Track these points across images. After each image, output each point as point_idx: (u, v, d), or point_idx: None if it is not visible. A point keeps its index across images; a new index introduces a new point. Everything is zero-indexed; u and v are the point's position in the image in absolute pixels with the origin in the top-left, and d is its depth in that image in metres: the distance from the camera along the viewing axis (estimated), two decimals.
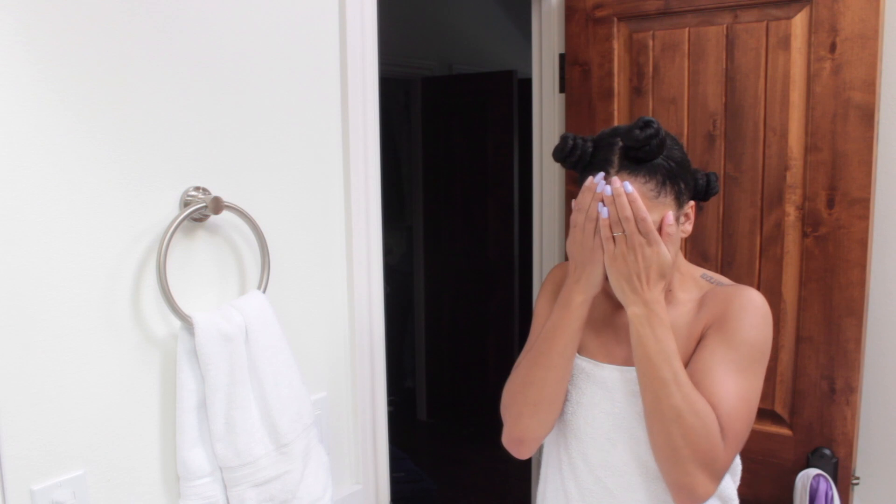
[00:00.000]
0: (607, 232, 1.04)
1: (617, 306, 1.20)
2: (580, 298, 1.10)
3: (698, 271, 1.20)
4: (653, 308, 1.05)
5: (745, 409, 1.06)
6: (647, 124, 1.04)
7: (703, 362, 1.07)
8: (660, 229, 1.06)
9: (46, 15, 0.91)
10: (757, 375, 1.09)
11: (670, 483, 1.06)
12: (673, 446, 1.03)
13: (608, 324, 1.20)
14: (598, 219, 1.05)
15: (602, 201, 1.04)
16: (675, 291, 1.15)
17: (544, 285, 1.28)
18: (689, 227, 1.13)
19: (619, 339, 1.18)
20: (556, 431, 1.25)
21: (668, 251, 1.04)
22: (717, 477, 1.04)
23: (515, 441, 1.18)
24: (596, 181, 1.04)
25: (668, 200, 1.07)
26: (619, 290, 1.06)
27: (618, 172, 1.05)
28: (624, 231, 1.03)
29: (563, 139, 1.10)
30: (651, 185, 1.05)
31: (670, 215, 1.06)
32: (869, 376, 1.64)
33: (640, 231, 1.02)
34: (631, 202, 1.02)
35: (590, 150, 1.10)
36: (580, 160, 1.10)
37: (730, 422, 1.04)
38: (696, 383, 1.05)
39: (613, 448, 1.15)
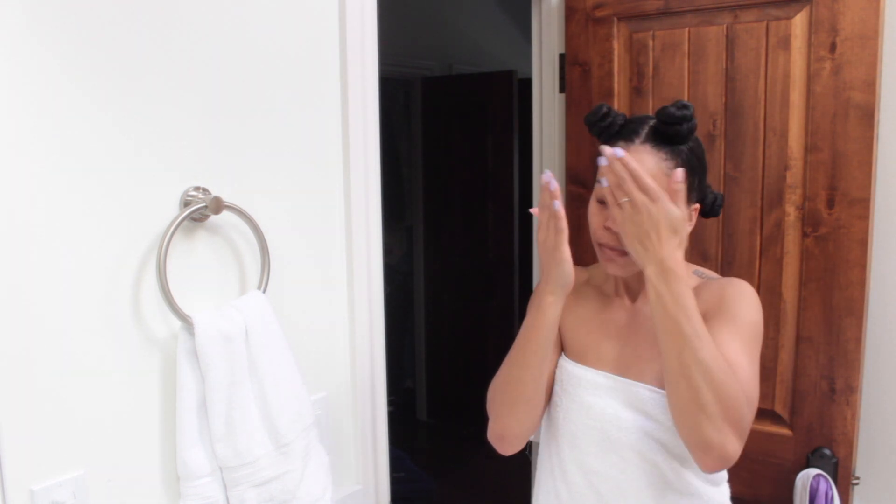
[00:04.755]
0: (612, 199, 1.05)
1: (607, 306, 1.20)
2: (550, 298, 1.11)
3: (690, 267, 1.21)
4: (667, 265, 1.02)
5: (756, 380, 1.08)
6: (684, 106, 1.07)
7: (714, 336, 1.06)
8: (668, 190, 1.05)
9: (47, 16, 0.91)
10: (757, 355, 1.10)
11: (697, 444, 1.02)
12: (701, 403, 0.99)
13: (599, 325, 1.20)
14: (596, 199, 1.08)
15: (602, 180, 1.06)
16: None
17: (538, 284, 1.28)
18: (689, 227, 1.13)
19: (610, 340, 1.18)
20: (548, 435, 1.24)
21: (679, 208, 1.04)
22: (743, 438, 1.02)
23: (497, 437, 1.18)
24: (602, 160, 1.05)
25: (680, 186, 1.08)
26: (634, 253, 1.05)
27: (642, 143, 1.08)
28: (627, 197, 1.03)
29: (599, 105, 1.14)
30: (670, 164, 1.08)
31: (679, 172, 1.06)
32: (869, 376, 1.64)
33: (640, 189, 1.02)
34: (625, 164, 1.02)
35: (620, 121, 1.13)
36: (609, 127, 1.13)
37: (749, 388, 1.04)
38: None
39: (606, 455, 1.15)
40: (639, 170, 1.02)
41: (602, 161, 1.04)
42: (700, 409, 0.99)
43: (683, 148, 1.09)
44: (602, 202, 1.11)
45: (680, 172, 1.06)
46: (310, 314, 1.30)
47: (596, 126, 1.14)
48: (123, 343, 1.01)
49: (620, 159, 1.02)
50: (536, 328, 1.12)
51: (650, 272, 1.04)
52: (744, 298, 1.11)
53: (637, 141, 1.09)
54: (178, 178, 1.07)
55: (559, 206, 1.05)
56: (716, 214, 1.22)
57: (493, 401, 1.19)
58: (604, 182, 1.05)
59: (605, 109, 1.13)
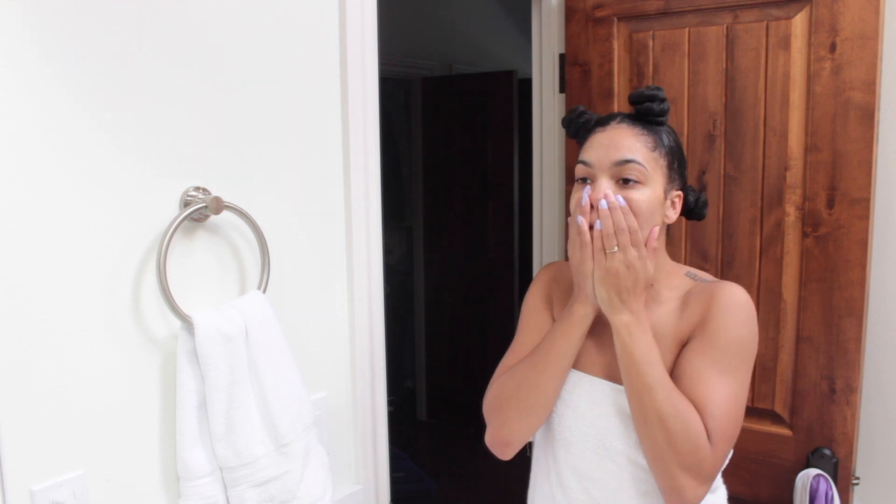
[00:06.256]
0: (600, 244, 1.06)
1: (601, 315, 1.20)
2: (582, 311, 1.12)
3: (683, 269, 1.19)
4: (638, 317, 1.07)
5: (735, 410, 1.07)
6: (656, 88, 1.11)
7: (691, 365, 1.07)
8: (646, 243, 1.08)
9: (49, 16, 0.91)
10: (744, 374, 1.09)
11: (661, 488, 1.07)
12: (657, 450, 1.04)
13: (592, 330, 1.20)
14: (583, 233, 1.08)
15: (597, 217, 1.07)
16: (660, 289, 1.15)
17: (532, 285, 1.27)
18: (673, 215, 1.14)
19: (601, 349, 1.18)
20: (544, 440, 1.24)
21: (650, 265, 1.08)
22: (706, 480, 1.04)
23: (502, 443, 1.17)
24: (591, 197, 1.07)
25: (662, 163, 1.10)
26: (607, 302, 1.08)
27: (618, 124, 1.11)
28: (617, 247, 1.05)
29: (575, 107, 1.17)
30: (648, 139, 1.09)
31: (656, 230, 1.09)
32: (869, 376, 1.64)
33: (633, 243, 1.05)
34: (625, 214, 1.05)
35: (595, 118, 1.16)
36: (584, 124, 1.16)
37: (720, 424, 1.04)
38: (686, 387, 1.06)
39: (602, 462, 1.14)
40: (636, 225, 1.05)
41: (602, 204, 1.06)
42: (656, 456, 1.04)
43: (660, 129, 1.11)
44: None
45: (656, 229, 1.09)
46: (310, 314, 1.30)
47: (574, 123, 1.17)
48: (123, 343, 1.01)
49: (622, 208, 1.05)
50: (563, 336, 1.13)
51: (623, 320, 1.07)
52: (732, 311, 1.08)
53: (612, 123, 1.11)
54: (178, 178, 1.07)
55: (600, 226, 1.06)
56: (699, 217, 1.21)
57: (504, 405, 1.16)
58: (598, 224, 1.06)
59: (581, 108, 1.17)
